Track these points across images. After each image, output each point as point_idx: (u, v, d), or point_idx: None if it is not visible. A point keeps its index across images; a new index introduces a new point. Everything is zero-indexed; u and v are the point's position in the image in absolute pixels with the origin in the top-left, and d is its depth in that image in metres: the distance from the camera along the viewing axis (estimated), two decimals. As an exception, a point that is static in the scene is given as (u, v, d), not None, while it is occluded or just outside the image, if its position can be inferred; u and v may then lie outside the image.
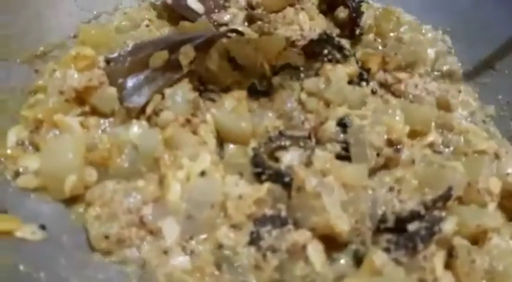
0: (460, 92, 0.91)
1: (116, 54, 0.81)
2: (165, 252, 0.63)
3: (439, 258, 0.59)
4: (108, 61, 0.81)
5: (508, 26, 0.92)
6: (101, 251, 0.62)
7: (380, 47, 0.97)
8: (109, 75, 0.78)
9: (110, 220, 0.63)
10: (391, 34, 0.99)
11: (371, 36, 1.00)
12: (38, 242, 0.60)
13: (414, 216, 0.61)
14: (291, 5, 1.00)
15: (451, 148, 0.80)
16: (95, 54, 0.82)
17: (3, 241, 0.58)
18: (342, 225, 0.59)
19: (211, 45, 0.81)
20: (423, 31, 1.02)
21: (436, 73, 0.95)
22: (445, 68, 0.96)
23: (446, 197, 0.63)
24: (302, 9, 0.99)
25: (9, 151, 0.70)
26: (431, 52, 0.96)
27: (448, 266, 0.61)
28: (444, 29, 1.02)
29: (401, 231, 0.60)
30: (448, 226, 0.61)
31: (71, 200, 0.66)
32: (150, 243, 0.64)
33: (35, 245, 0.60)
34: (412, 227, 0.60)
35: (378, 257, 0.56)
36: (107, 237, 0.62)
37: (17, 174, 0.67)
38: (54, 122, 0.72)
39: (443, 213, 0.63)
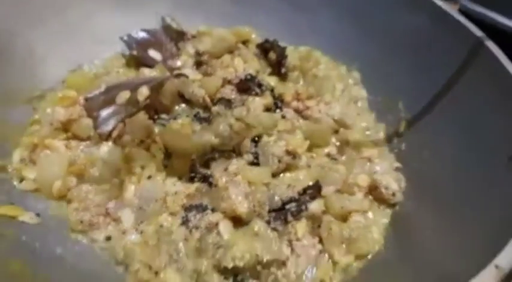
0: (359, 114, 1.12)
1: (92, 94, 0.98)
2: (123, 232, 0.84)
3: (301, 226, 0.81)
4: (86, 99, 0.98)
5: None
6: (77, 232, 0.84)
7: (301, 82, 1.19)
8: (86, 110, 0.97)
9: (84, 211, 0.85)
10: (312, 71, 1.19)
11: (296, 73, 1.21)
12: (34, 225, 0.82)
13: (292, 200, 0.84)
14: (230, 52, 1.19)
15: (344, 156, 1.01)
16: (77, 95, 1.02)
17: (11, 222, 0.80)
18: (241, 208, 0.81)
19: (162, 86, 1.00)
20: (336, 68, 1.21)
21: (343, 100, 1.14)
22: (351, 96, 1.16)
23: (316, 187, 0.86)
24: (238, 55, 1.18)
25: (14, 165, 0.90)
26: (340, 85, 1.16)
27: (317, 234, 0.83)
28: (354, 65, 1.22)
29: (282, 210, 0.83)
30: (314, 206, 0.83)
31: (58, 198, 0.88)
32: (113, 226, 0.85)
33: (32, 226, 0.82)
34: (288, 206, 0.83)
35: (256, 225, 0.78)
36: (82, 222, 0.84)
37: (20, 180, 0.89)
38: (46, 144, 0.93)
39: (315, 199, 0.85)
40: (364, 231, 0.84)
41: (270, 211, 0.84)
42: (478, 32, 0.94)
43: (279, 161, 0.93)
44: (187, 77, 1.05)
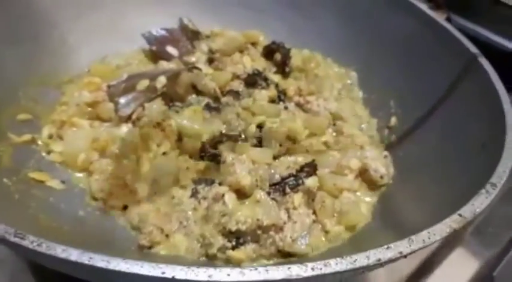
0: (354, 109, 1.22)
1: (114, 82, 1.04)
2: (139, 201, 0.94)
3: (297, 197, 0.91)
4: (109, 86, 1.05)
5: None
6: (98, 199, 0.95)
7: (303, 80, 1.29)
8: (109, 95, 1.03)
9: (105, 182, 0.96)
10: (313, 71, 1.31)
11: (298, 72, 1.32)
12: (60, 190, 0.93)
13: (290, 175, 0.95)
14: (240, 51, 1.31)
15: (339, 145, 1.11)
16: (100, 82, 1.11)
17: (40, 185, 0.91)
18: (245, 181, 0.91)
19: (178, 76, 1.10)
20: (335, 69, 1.33)
21: (340, 97, 1.25)
22: (348, 93, 1.27)
23: (312, 165, 0.97)
24: (247, 54, 1.30)
25: (43, 139, 0.99)
26: (338, 84, 1.28)
27: (311, 207, 0.93)
28: (352, 67, 1.34)
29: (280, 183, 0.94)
30: (310, 181, 0.93)
31: (81, 170, 0.98)
32: (128, 197, 0.96)
33: (58, 191, 0.92)
34: (287, 180, 0.93)
35: (257, 194, 0.88)
36: (102, 191, 0.95)
37: (48, 153, 0.98)
38: (72, 122, 1.03)
39: (311, 176, 0.95)
40: (354, 206, 0.94)
41: (270, 185, 0.94)
42: (468, 43, 1.06)
43: (280, 145, 1.03)
44: (200, 70, 1.16)
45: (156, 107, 1.06)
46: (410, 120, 1.12)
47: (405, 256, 0.60)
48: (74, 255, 0.53)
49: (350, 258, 0.56)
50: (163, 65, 1.23)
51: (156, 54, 1.28)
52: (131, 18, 1.32)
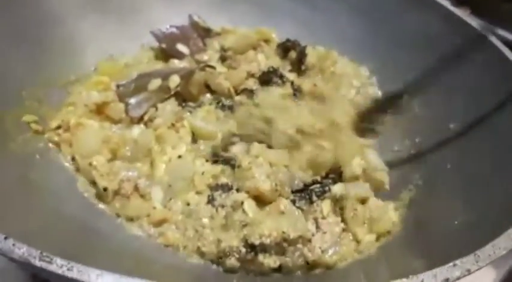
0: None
1: (124, 82, 1.06)
2: (154, 207, 0.89)
3: (326, 205, 0.87)
4: (118, 86, 1.05)
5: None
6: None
7: (320, 78, 1.23)
8: (118, 95, 1.03)
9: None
10: (330, 69, 1.25)
11: (314, 70, 1.25)
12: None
13: (314, 182, 0.90)
14: (254, 49, 1.26)
15: None
16: (109, 81, 1.06)
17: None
18: (264, 186, 0.86)
19: (191, 75, 1.07)
20: (352, 66, 1.27)
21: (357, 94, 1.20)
22: (365, 91, 1.22)
23: (336, 171, 0.93)
24: (262, 51, 1.25)
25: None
26: (356, 82, 1.22)
27: (340, 215, 0.88)
28: (368, 66, 1.28)
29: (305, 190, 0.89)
30: (336, 188, 0.89)
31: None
32: (140, 202, 0.89)
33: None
34: (312, 187, 0.89)
35: (282, 203, 0.83)
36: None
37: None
38: (81, 123, 0.94)
39: (337, 182, 0.91)
40: (383, 212, 0.89)
41: (293, 191, 0.89)
42: (495, 41, 1.00)
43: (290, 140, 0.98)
44: (215, 68, 1.12)
45: (170, 107, 1.04)
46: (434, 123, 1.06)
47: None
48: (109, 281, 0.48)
49: (416, 278, 0.52)
50: (175, 63, 1.19)
51: (166, 53, 1.23)
52: (139, 16, 1.27)
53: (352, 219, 0.86)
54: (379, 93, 1.23)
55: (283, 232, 0.78)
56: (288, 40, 1.26)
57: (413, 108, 1.13)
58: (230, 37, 1.28)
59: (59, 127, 0.95)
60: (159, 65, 1.20)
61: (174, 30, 1.28)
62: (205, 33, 1.29)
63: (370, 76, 1.27)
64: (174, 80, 1.04)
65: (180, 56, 1.22)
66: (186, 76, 1.06)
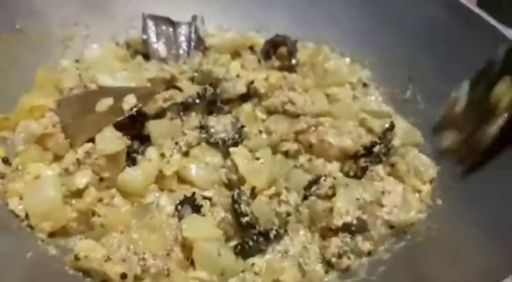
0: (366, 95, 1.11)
1: (66, 97, 0.92)
2: None
3: (379, 168, 0.90)
4: (59, 103, 0.90)
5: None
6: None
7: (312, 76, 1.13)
8: (59, 115, 0.87)
9: None
10: (322, 66, 1.13)
11: (305, 68, 1.15)
12: None
13: (373, 143, 0.92)
14: (235, 53, 1.17)
15: None
16: (46, 104, 0.89)
17: None
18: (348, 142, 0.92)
19: (151, 97, 0.92)
20: (346, 61, 1.20)
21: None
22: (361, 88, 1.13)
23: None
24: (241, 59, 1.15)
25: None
26: (351, 78, 1.13)
27: (393, 174, 0.91)
28: (362, 62, 1.20)
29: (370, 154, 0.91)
30: (396, 142, 0.94)
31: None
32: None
33: None
34: (375, 149, 0.91)
35: (342, 181, 0.86)
36: None
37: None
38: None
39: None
40: (418, 161, 0.94)
41: (358, 156, 0.93)
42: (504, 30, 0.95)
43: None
44: (182, 90, 0.99)
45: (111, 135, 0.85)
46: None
47: None
48: None
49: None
50: (141, 64, 1.09)
51: (137, 50, 1.16)
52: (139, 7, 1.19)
53: (407, 174, 0.91)
54: (376, 89, 1.16)
55: (357, 199, 0.81)
56: (277, 35, 1.19)
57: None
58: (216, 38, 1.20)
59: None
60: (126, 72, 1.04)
61: (167, 23, 1.17)
62: (196, 42, 1.18)
63: (366, 71, 1.20)
64: (129, 102, 0.88)
65: (154, 54, 1.13)
66: (145, 97, 0.91)
